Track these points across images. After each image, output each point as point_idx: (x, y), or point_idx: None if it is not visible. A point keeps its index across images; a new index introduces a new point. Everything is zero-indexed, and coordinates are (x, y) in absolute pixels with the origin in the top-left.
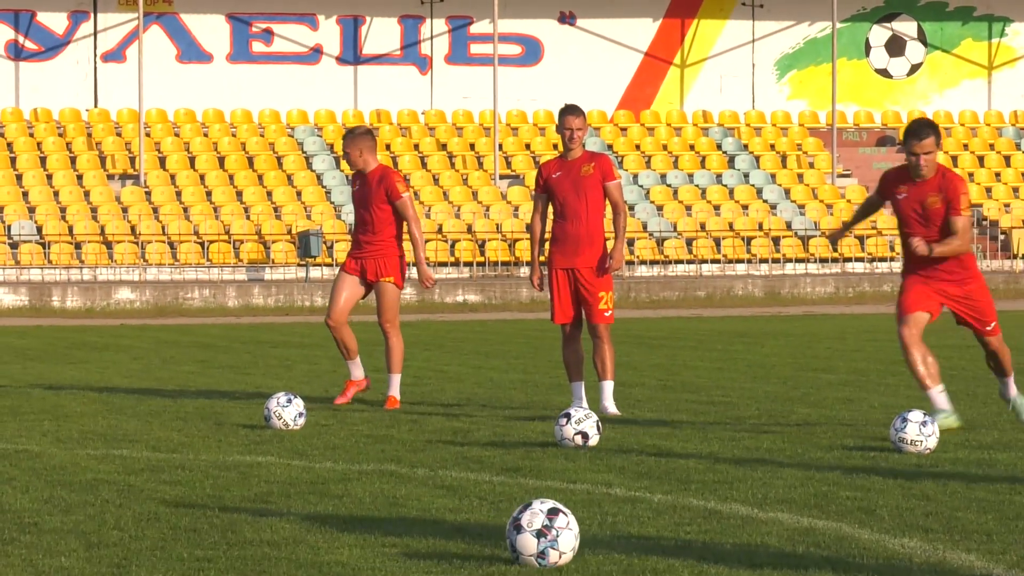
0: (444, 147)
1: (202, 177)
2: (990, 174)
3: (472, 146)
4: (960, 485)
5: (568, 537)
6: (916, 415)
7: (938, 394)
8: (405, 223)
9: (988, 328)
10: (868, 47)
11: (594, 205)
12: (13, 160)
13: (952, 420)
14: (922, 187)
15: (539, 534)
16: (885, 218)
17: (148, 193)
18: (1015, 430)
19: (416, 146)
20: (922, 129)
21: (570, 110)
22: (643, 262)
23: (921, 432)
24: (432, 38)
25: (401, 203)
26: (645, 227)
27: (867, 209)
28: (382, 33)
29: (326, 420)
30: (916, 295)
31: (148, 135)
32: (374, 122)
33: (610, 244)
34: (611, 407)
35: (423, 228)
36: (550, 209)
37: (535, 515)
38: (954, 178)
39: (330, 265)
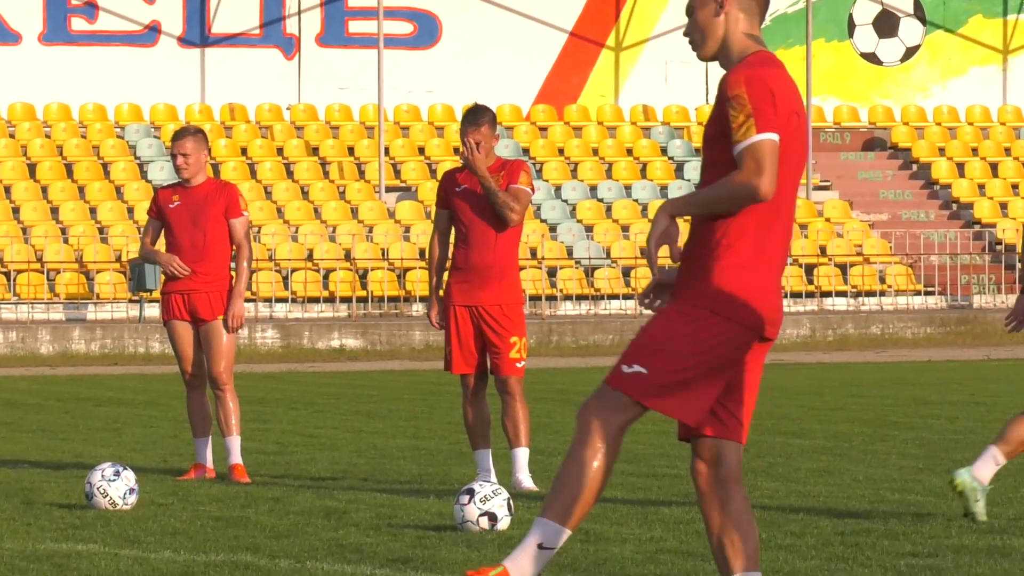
0: (315, 151)
1: (7, 189)
2: (1005, 186)
3: (351, 150)
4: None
5: None
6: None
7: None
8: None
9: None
10: (852, 26)
11: (506, 228)
12: None
13: None
14: None
15: None
16: (873, 242)
17: None
18: None
19: (279, 150)
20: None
21: (469, 116)
22: (568, 297)
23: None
24: (300, 13)
25: (242, 221)
26: (570, 253)
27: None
28: (236, 7)
29: (164, 498)
30: None
31: None
32: (225, 119)
33: (526, 275)
34: (526, 480)
35: (291, 255)
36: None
37: None
38: None
39: None
